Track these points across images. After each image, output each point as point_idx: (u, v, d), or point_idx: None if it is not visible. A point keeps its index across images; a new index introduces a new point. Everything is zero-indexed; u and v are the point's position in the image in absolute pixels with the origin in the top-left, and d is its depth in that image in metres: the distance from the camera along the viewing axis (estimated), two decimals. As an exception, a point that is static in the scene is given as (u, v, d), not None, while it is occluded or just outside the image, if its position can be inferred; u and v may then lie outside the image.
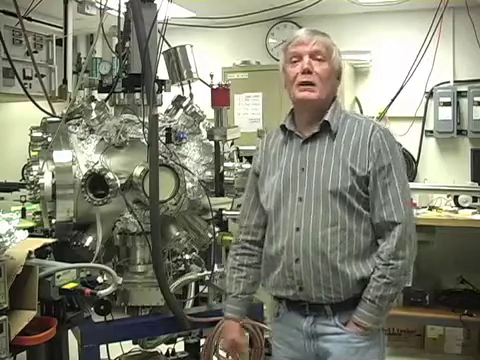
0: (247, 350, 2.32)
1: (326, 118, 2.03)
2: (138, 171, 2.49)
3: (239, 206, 2.84)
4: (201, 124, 2.83)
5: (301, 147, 2.07)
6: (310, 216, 2.00)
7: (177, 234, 2.64)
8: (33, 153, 2.68)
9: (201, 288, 2.82)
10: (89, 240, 2.53)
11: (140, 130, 2.56)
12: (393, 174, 1.99)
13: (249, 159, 2.79)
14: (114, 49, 2.77)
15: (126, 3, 2.66)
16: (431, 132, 5.03)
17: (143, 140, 2.53)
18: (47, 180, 2.45)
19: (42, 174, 2.46)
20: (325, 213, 1.98)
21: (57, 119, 2.64)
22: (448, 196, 4.68)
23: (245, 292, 2.21)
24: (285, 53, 2.08)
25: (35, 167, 2.51)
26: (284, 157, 2.10)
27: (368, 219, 2.01)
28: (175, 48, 2.87)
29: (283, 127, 2.13)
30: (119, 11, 2.67)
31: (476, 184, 4.52)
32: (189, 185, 2.61)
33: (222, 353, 2.58)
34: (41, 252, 2.18)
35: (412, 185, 3.93)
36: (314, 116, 2.06)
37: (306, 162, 2.04)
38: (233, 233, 2.79)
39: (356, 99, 5.22)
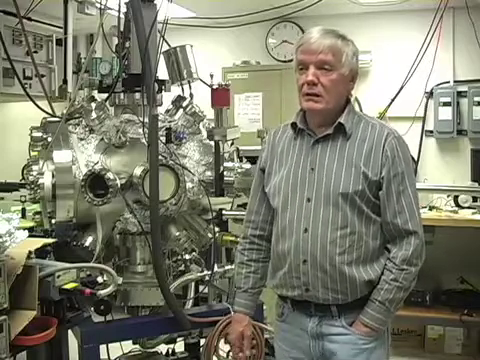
0: (250, 350, 2.30)
1: (341, 120, 2.01)
2: (138, 171, 2.49)
3: (239, 206, 2.85)
4: (201, 124, 2.83)
5: (312, 146, 2.04)
6: (319, 218, 1.98)
7: (177, 234, 2.64)
8: (33, 153, 2.68)
9: (201, 288, 2.81)
10: (89, 240, 2.53)
11: (140, 130, 2.56)
12: (406, 182, 1.99)
13: (249, 159, 2.79)
14: (114, 49, 2.77)
15: (126, 3, 2.66)
16: (431, 132, 5.03)
17: (143, 140, 2.53)
18: (47, 180, 2.45)
19: (42, 174, 2.46)
20: (334, 215, 1.97)
21: (57, 119, 2.64)
22: (448, 196, 4.69)
23: (254, 286, 2.22)
24: (295, 56, 2.03)
25: (35, 167, 2.51)
26: (293, 154, 2.08)
27: (377, 223, 2.00)
28: (175, 48, 2.87)
29: (294, 124, 2.10)
30: (119, 11, 2.67)
31: (476, 184, 4.53)
32: (189, 185, 2.61)
33: (222, 353, 2.58)
34: (41, 252, 2.18)
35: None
36: (325, 119, 2.03)
37: (316, 162, 2.02)
38: (233, 233, 2.79)
39: (356, 99, 5.20)
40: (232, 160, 2.77)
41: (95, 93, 2.82)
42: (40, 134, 2.60)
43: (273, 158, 2.14)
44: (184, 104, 2.83)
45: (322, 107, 1.98)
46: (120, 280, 2.37)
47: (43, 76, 3.80)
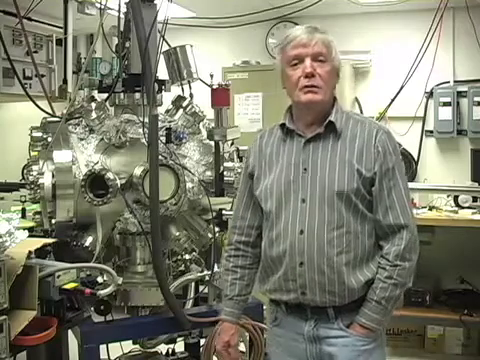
0: (239, 355, 2.28)
1: (331, 118, 2.00)
2: (138, 171, 2.49)
3: (239, 206, 2.84)
4: (201, 124, 2.83)
5: (303, 147, 2.02)
6: (315, 218, 1.96)
7: (177, 234, 2.64)
8: (33, 153, 2.68)
9: (201, 288, 2.82)
10: (89, 240, 2.53)
11: (140, 130, 2.56)
12: (397, 176, 1.98)
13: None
14: (114, 49, 2.77)
15: (126, 3, 2.66)
16: (431, 132, 5.03)
17: (143, 140, 2.53)
18: (47, 180, 2.45)
19: (42, 174, 2.47)
20: (330, 215, 1.95)
21: (57, 119, 2.65)
22: (448, 196, 4.68)
23: (240, 294, 2.18)
24: (283, 54, 2.02)
25: (35, 167, 2.51)
26: (283, 156, 2.06)
27: (371, 221, 1.99)
28: (175, 48, 2.87)
29: (283, 126, 2.08)
30: (119, 11, 2.67)
31: (476, 184, 4.52)
32: (189, 185, 2.62)
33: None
34: (41, 252, 2.18)
35: (412, 185, 3.93)
36: (317, 117, 2.02)
37: (309, 162, 2.00)
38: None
39: (356, 99, 5.22)
40: (232, 160, 2.77)
41: (95, 93, 2.82)
42: (40, 134, 2.60)
43: (261, 161, 2.11)
44: (184, 104, 2.83)
45: (321, 98, 1.97)
46: (120, 280, 2.37)
47: (43, 76, 3.79)
